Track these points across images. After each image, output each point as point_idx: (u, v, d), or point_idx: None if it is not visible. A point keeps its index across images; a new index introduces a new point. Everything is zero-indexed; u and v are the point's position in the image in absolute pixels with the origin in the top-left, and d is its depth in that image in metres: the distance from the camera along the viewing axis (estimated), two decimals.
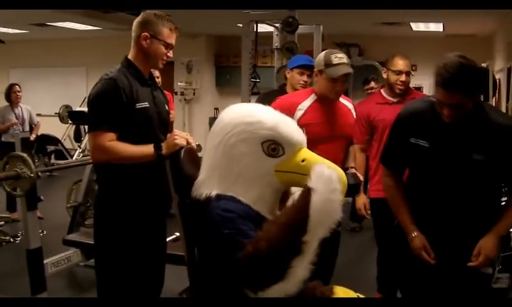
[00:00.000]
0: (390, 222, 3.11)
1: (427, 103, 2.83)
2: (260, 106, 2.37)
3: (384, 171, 3.11)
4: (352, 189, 3.47)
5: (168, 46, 3.07)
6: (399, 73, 4.15)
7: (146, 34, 3.02)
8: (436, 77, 2.60)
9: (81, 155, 10.50)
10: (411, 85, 4.43)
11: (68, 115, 11.46)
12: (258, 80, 6.18)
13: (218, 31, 12.65)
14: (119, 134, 2.91)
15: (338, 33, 10.72)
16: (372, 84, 7.31)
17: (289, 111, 3.64)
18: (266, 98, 4.41)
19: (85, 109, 3.20)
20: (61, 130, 11.99)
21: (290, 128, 2.28)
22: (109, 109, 2.90)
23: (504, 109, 7.75)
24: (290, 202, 2.29)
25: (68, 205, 6.15)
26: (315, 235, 2.00)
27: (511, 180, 2.84)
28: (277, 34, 6.34)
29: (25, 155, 3.86)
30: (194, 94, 13.46)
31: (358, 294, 2.48)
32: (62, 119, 11.84)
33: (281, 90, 4.94)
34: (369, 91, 7.34)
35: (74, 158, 10.59)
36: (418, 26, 10.71)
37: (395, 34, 11.47)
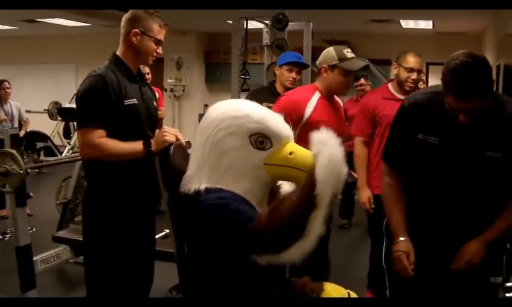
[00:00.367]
0: None
1: (433, 95, 2.62)
2: (247, 101, 2.39)
3: (384, 169, 2.84)
4: (349, 187, 3.48)
5: (158, 42, 3.07)
6: (411, 70, 4.09)
7: (137, 30, 3.01)
8: (445, 82, 2.41)
9: (70, 151, 10.44)
10: None
11: (58, 112, 11.39)
12: (248, 77, 6.17)
13: (208, 28, 12.62)
14: (107, 131, 2.91)
15: (328, 30, 10.72)
16: (362, 80, 7.34)
17: (299, 108, 3.66)
18: (255, 95, 4.42)
19: (74, 105, 3.19)
20: (51, 127, 11.95)
21: (277, 122, 2.30)
22: (97, 105, 2.90)
23: None
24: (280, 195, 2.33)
25: (58, 202, 6.11)
26: (327, 191, 2.03)
27: None
28: (267, 31, 6.33)
29: (14, 151, 3.84)
30: (183, 91, 13.42)
31: (348, 291, 2.48)
32: (51, 116, 11.77)
33: (271, 87, 4.95)
34: (359, 88, 7.37)
35: (63, 155, 10.54)
36: (408, 23, 10.73)
37: (385, 31, 11.49)
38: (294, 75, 4.67)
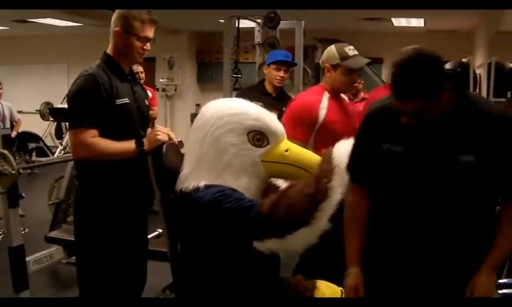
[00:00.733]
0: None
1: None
2: (240, 100, 2.41)
3: (349, 185, 2.39)
4: None
5: (142, 39, 3.03)
6: None
7: (118, 29, 2.99)
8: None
9: (62, 152, 10.40)
10: None
11: (49, 112, 11.33)
12: (240, 76, 6.17)
13: (200, 27, 12.60)
14: (99, 130, 2.90)
15: (320, 29, 10.70)
16: None
17: (312, 111, 3.57)
18: (245, 94, 4.41)
19: (66, 106, 3.17)
20: (42, 127, 11.88)
21: (272, 119, 2.34)
22: (89, 105, 2.89)
23: None
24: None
25: (50, 202, 6.10)
26: (342, 185, 2.11)
27: (507, 185, 2.27)
28: (259, 30, 6.33)
29: (6, 151, 3.82)
30: (175, 90, 13.40)
31: (342, 289, 2.49)
32: (43, 117, 11.72)
33: (260, 86, 4.95)
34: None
35: (55, 155, 10.50)
36: (399, 22, 10.74)
37: (377, 29, 11.49)
38: (281, 73, 4.67)
